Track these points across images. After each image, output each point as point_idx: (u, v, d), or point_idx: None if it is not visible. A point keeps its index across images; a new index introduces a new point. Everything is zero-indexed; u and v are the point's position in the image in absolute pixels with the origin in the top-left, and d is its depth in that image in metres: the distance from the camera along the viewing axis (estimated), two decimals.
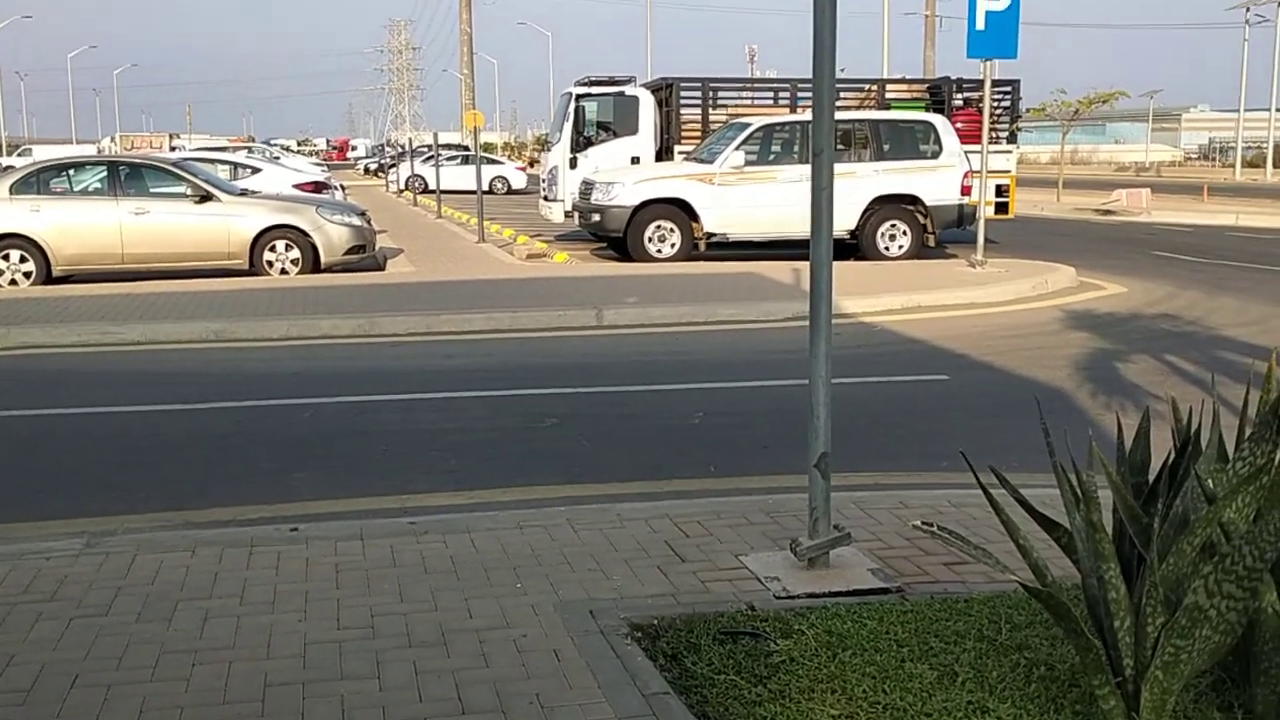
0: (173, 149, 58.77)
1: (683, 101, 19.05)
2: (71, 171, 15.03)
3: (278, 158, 32.40)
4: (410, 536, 4.72)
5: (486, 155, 42.78)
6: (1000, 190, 18.61)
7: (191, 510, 5.52)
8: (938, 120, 17.07)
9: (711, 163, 16.24)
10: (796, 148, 16.05)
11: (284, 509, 5.47)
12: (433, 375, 8.95)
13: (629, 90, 19.27)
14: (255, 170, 22.00)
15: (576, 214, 17.67)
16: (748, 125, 16.51)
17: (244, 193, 15.93)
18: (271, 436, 7.05)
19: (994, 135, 17.60)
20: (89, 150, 57.39)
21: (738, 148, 16.03)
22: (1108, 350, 9.48)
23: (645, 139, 18.99)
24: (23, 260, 13.92)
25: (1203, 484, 2.87)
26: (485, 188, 23.26)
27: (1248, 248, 18.78)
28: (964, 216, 16.35)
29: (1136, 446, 3.32)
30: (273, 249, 14.53)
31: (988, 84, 14.47)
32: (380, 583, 4.22)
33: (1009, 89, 19.56)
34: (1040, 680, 3.22)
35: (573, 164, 18.84)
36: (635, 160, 18.61)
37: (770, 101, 19.99)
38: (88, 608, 4.03)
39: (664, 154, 18.92)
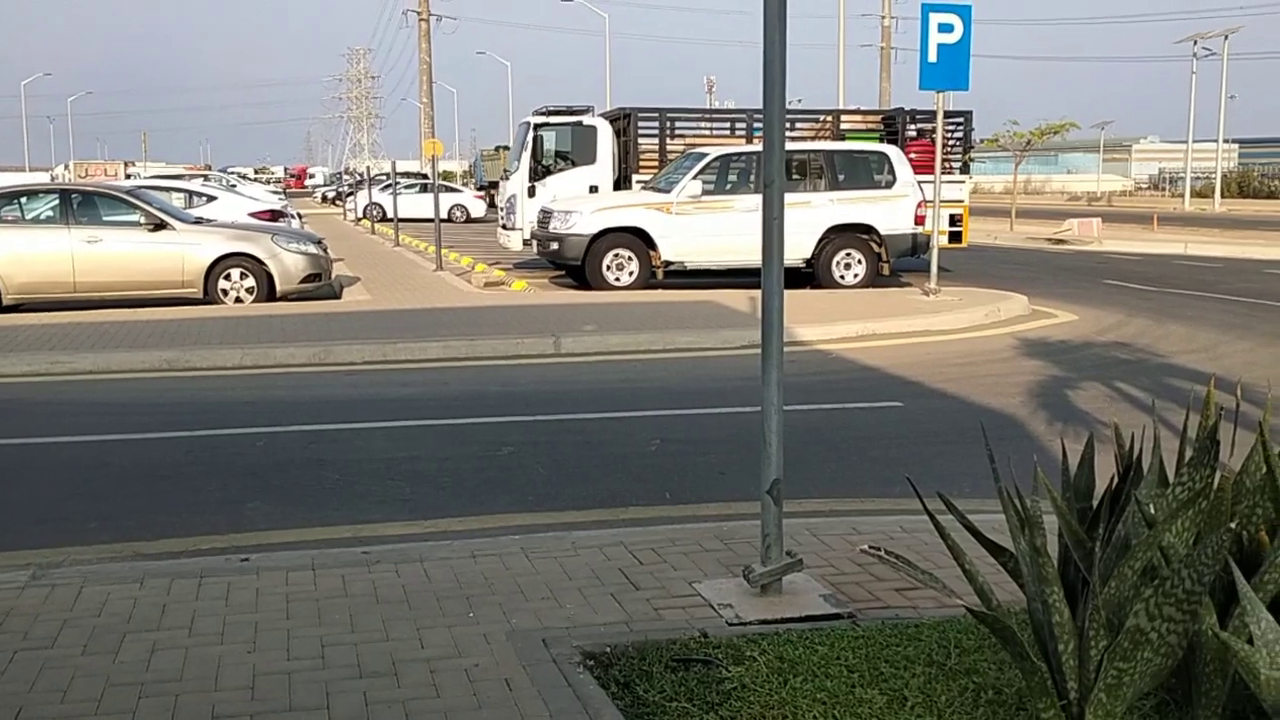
0: (127, 177, 58.30)
1: (640, 131, 19.17)
2: (23, 199, 14.84)
3: (234, 186, 32.19)
4: (362, 566, 4.69)
5: (445, 183, 42.74)
6: (954, 219, 18.86)
7: (141, 541, 5.45)
8: (892, 151, 17.28)
9: (669, 192, 16.33)
10: (752, 178, 16.18)
11: (236, 539, 5.42)
12: (389, 404, 8.91)
13: (587, 120, 19.37)
14: (210, 198, 21.84)
15: (535, 242, 17.69)
16: (704, 155, 16.64)
17: (199, 221, 15.82)
18: (224, 466, 6.99)
19: (947, 165, 17.85)
20: (42, 178, 56.84)
21: (695, 177, 16.14)
22: (1059, 377, 9.61)
23: (603, 168, 19.08)
24: None
25: (1143, 508, 2.92)
26: (444, 216, 23.26)
27: (1196, 276, 19.11)
28: (918, 245, 16.54)
29: (1081, 472, 3.37)
30: (227, 277, 14.43)
31: (940, 115, 14.67)
32: (331, 613, 4.19)
33: (961, 120, 19.84)
34: (988, 704, 3.25)
35: (531, 193, 18.88)
36: (593, 189, 18.68)
37: (727, 132, 20.15)
38: (33, 640, 3.97)
39: (622, 183, 19.01)
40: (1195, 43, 55.01)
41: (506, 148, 63.46)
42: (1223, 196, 55.04)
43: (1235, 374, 9.22)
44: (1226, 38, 53.84)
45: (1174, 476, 3.06)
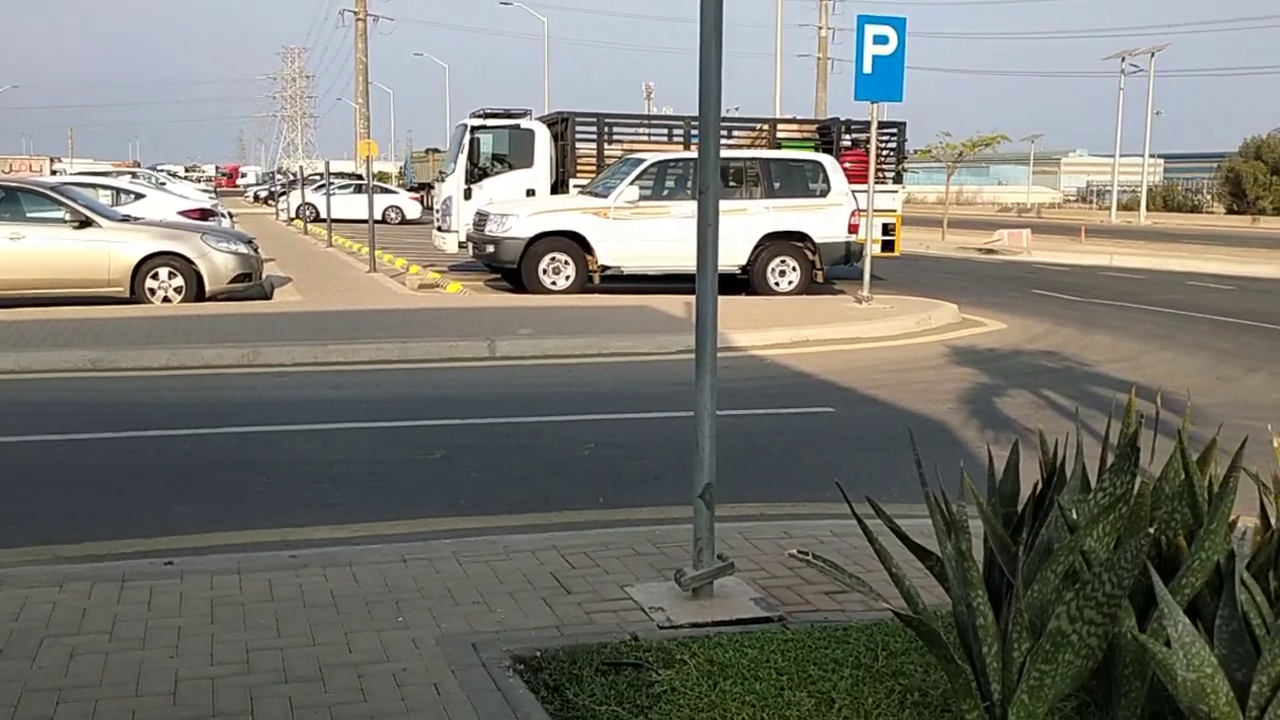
0: (53, 173, 56.97)
1: (578, 136, 19.18)
2: None
3: (163, 184, 31.61)
4: (290, 570, 4.63)
5: (380, 184, 42.38)
6: (887, 229, 19.09)
7: (61, 545, 5.33)
8: (826, 160, 17.46)
9: (606, 197, 16.34)
10: (689, 184, 16.25)
11: (160, 543, 5.33)
12: (319, 406, 8.81)
13: (524, 123, 19.33)
14: (139, 196, 21.45)
15: (470, 245, 17.60)
16: (642, 161, 16.68)
17: (126, 219, 15.52)
18: (149, 468, 6.85)
19: (880, 175, 18.07)
20: None
21: (632, 182, 16.17)
22: (987, 385, 9.76)
23: (540, 172, 19.05)
24: None
25: (1065, 514, 2.98)
26: (379, 217, 23.04)
27: (1121, 287, 19.53)
28: (851, 254, 16.72)
29: (1006, 477, 3.43)
30: (155, 276, 14.17)
31: (874, 126, 14.85)
32: (257, 617, 4.13)
33: (895, 131, 20.10)
34: (914, 706, 3.29)
35: (467, 195, 18.79)
36: (530, 193, 18.64)
37: (665, 138, 20.23)
38: None
39: (559, 187, 19.00)
40: (1123, 59, 56.28)
41: (437, 150, 63.39)
42: (1148, 210, 56.35)
43: (1157, 383, 9.43)
44: (1153, 55, 55.16)
45: (1096, 482, 3.12)
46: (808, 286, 16.67)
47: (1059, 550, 2.85)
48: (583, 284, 16.21)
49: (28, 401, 8.97)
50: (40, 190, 14.84)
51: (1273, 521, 3.10)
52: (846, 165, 18.01)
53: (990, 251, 28.46)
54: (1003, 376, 10.19)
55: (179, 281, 14.21)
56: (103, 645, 3.88)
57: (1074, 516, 3.01)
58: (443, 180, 20.32)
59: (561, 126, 19.43)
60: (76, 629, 4.02)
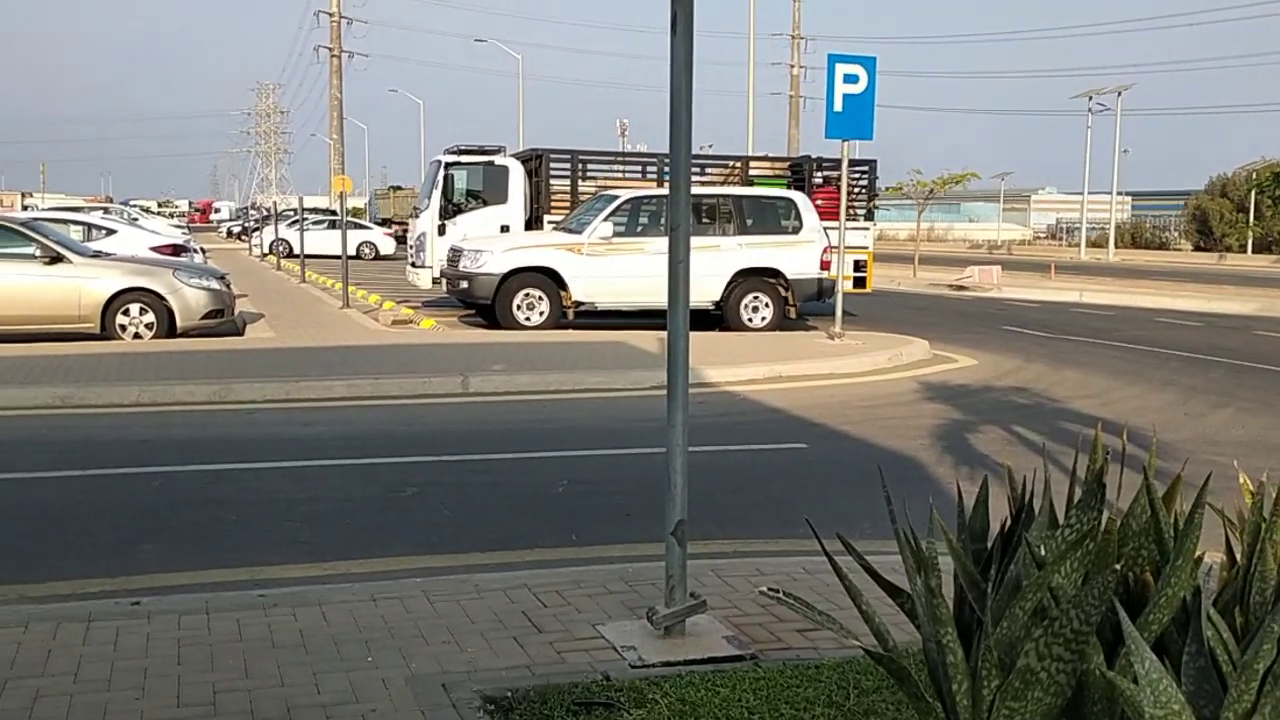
0: (24, 208, 56.63)
1: (552, 172, 19.26)
2: None
3: (136, 219, 31.51)
4: (258, 610, 4.58)
5: (354, 220, 42.34)
6: (859, 265, 19.24)
7: (27, 584, 5.25)
8: (798, 197, 17.60)
9: (580, 233, 16.40)
10: (663, 220, 16.32)
11: (127, 582, 5.26)
12: (291, 443, 8.75)
13: (499, 160, 19.41)
14: (110, 232, 21.34)
15: (444, 281, 17.60)
16: (616, 197, 16.77)
17: (97, 254, 15.43)
18: (118, 506, 6.78)
19: (852, 212, 18.23)
20: None
21: (606, 219, 16.25)
22: (959, 421, 9.81)
23: (515, 208, 19.10)
24: None
25: (1033, 550, 2.99)
26: (352, 253, 23.01)
27: (1090, 323, 19.71)
28: (824, 290, 16.82)
29: (976, 514, 3.44)
30: (126, 312, 14.08)
31: (845, 163, 14.99)
32: (225, 658, 4.08)
33: (866, 168, 20.31)
34: None
35: (441, 231, 18.82)
36: (504, 229, 18.68)
37: (639, 174, 20.36)
38: None
39: (533, 223, 19.05)
40: (1090, 98, 57.14)
41: (399, 187, 63.69)
42: (1116, 247, 57.02)
43: (1125, 418, 9.52)
44: (1120, 94, 56.05)
45: (1064, 519, 3.14)
46: (781, 323, 16.75)
47: (1027, 587, 2.86)
48: (557, 320, 16.23)
49: None
50: (10, 225, 14.74)
51: (1238, 557, 3.12)
52: (818, 202, 18.17)
53: (961, 288, 28.70)
54: (973, 412, 10.25)
55: (150, 318, 14.13)
56: (67, 687, 3.82)
57: (1042, 553, 3.02)
58: (417, 216, 20.34)
59: (536, 163, 19.51)
60: (41, 670, 3.97)
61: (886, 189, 33.75)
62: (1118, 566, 2.81)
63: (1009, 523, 3.29)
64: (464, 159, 19.42)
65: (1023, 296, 26.63)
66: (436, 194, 19.07)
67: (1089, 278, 33.74)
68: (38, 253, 13.99)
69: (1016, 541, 3.13)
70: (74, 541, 6.05)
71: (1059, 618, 2.68)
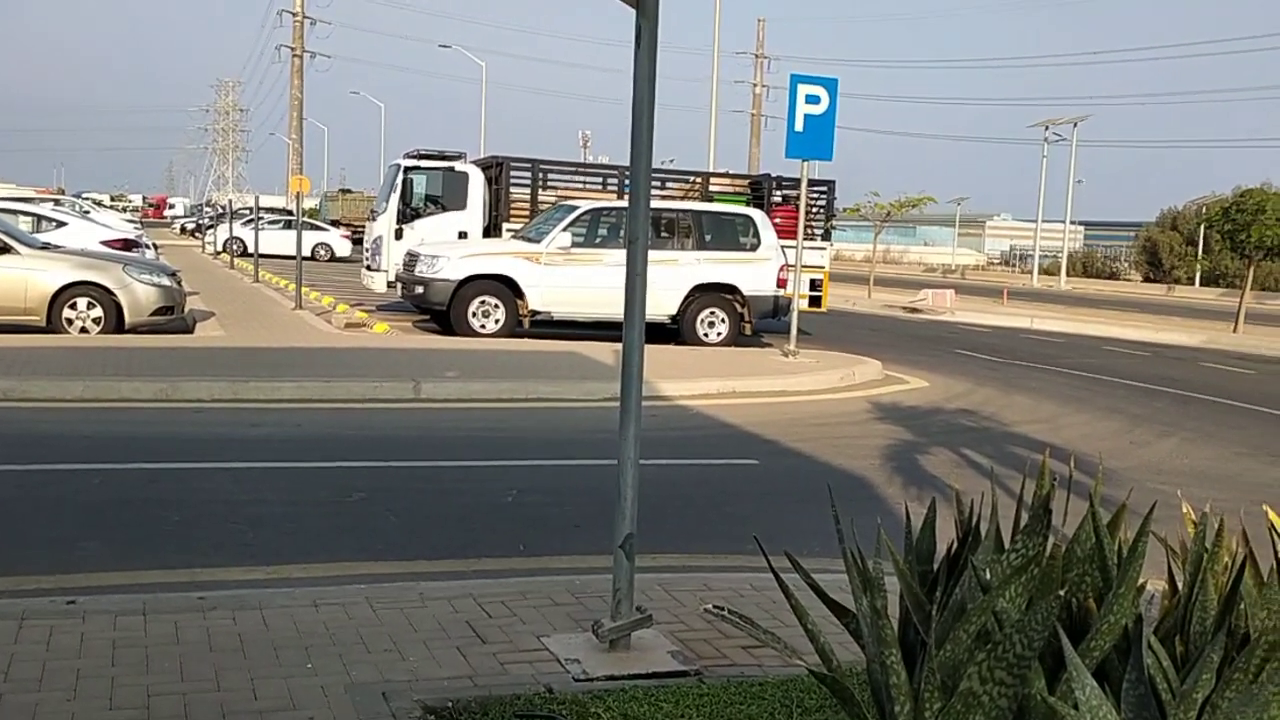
0: None
1: (512, 180, 19.22)
2: None
3: (87, 212, 30.98)
4: (197, 612, 4.51)
5: (310, 221, 41.99)
6: (814, 284, 19.37)
7: None
8: (757, 215, 17.68)
9: (539, 242, 16.37)
10: (622, 233, 16.31)
11: (65, 580, 5.16)
12: (237, 444, 8.63)
13: (459, 166, 19.33)
14: (61, 224, 20.99)
15: (399, 285, 17.49)
16: (576, 208, 16.76)
17: (46, 246, 15.17)
18: (57, 503, 6.65)
19: (809, 232, 18.36)
20: None
21: (565, 229, 16.23)
22: (908, 441, 9.88)
23: (473, 215, 19.03)
24: None
25: (979, 573, 3.00)
26: (308, 254, 22.79)
27: (1041, 349, 19.95)
28: (779, 307, 16.90)
29: (923, 536, 3.45)
30: (73, 306, 13.85)
31: (804, 183, 15.08)
32: (160, 660, 4.00)
33: (825, 189, 20.45)
34: None
35: (398, 235, 18.71)
36: (462, 235, 18.60)
37: (599, 186, 20.36)
38: None
39: (492, 231, 18.99)
40: (1047, 128, 57.93)
41: (348, 190, 63.60)
42: (1068, 275, 57.78)
43: (1072, 445, 9.63)
44: (1075, 125, 56.88)
45: (1009, 543, 3.15)
46: (736, 338, 16.81)
47: (972, 610, 2.86)
48: (512, 328, 16.17)
49: None
50: None
51: (1179, 586, 3.16)
52: (777, 221, 18.25)
53: (915, 310, 28.95)
54: (923, 434, 10.32)
55: (98, 312, 13.91)
56: None
57: (987, 577, 3.04)
58: (374, 219, 20.21)
59: (496, 170, 19.46)
60: None
61: (844, 210, 34.07)
62: (1061, 592, 2.83)
63: (955, 545, 3.31)
64: (424, 164, 19.33)
65: (975, 321, 26.91)
66: (395, 198, 18.95)
67: (1041, 304, 34.18)
68: None
69: (962, 565, 3.14)
70: (10, 537, 5.92)
71: (1002, 642, 2.69)
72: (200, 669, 3.95)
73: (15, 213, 20.23)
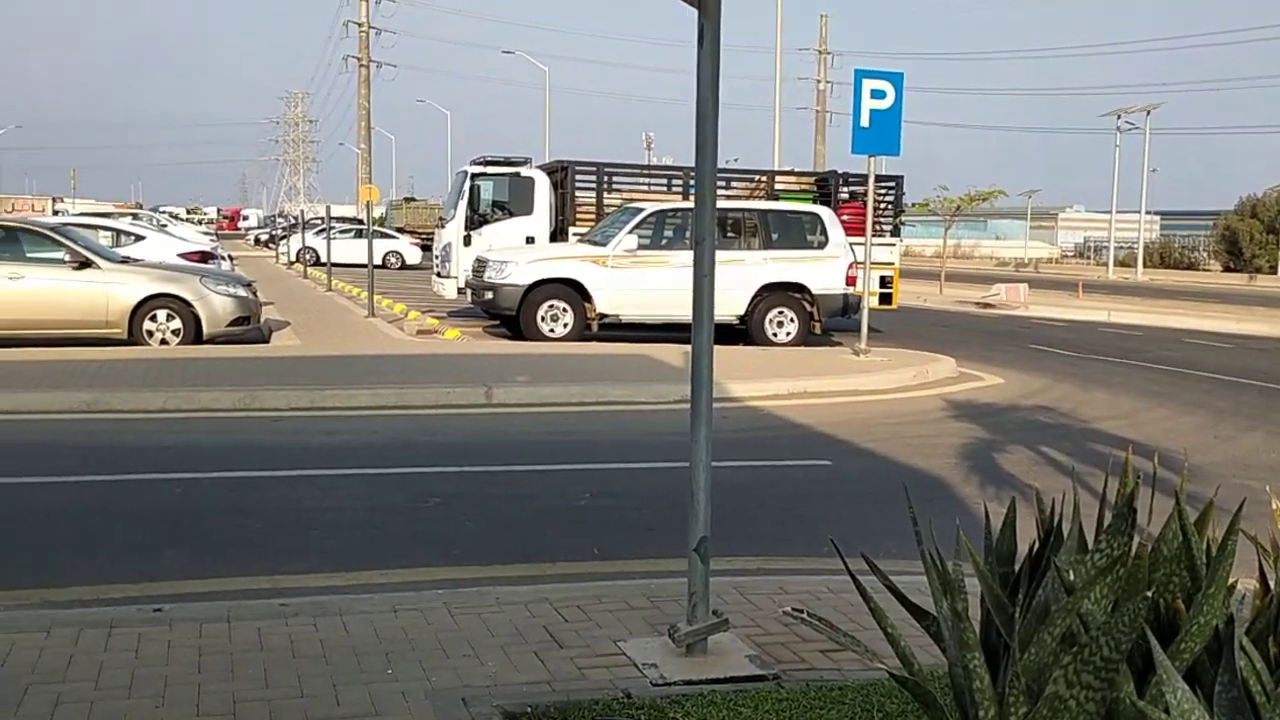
0: (55, 213, 57.19)
1: (578, 184, 19.30)
2: None
3: (164, 225, 31.71)
4: (279, 619, 4.58)
5: (380, 229, 42.53)
6: (884, 281, 19.18)
7: (50, 589, 5.27)
8: (824, 212, 17.56)
9: (605, 245, 16.41)
10: (688, 234, 16.29)
11: (150, 588, 5.27)
12: (314, 452, 8.77)
13: (525, 171, 19.46)
14: (139, 238, 21.49)
15: (469, 291, 17.65)
16: (641, 210, 16.78)
17: (125, 260, 15.54)
18: (141, 512, 6.81)
19: (878, 228, 18.18)
20: None
21: (631, 231, 16.26)
22: (984, 440, 9.74)
23: (540, 219, 19.14)
24: None
25: (1062, 575, 2.95)
26: (378, 262, 23.10)
27: (1119, 343, 19.56)
28: (849, 305, 16.76)
29: (1003, 536, 3.39)
30: (153, 318, 14.17)
31: (871, 179, 14.94)
32: (245, 667, 4.08)
33: (893, 184, 20.25)
34: None
35: (467, 241, 18.88)
36: (530, 240, 18.72)
37: (664, 187, 20.37)
38: None
39: (559, 235, 19.08)
40: (1119, 117, 56.81)
41: (412, 199, 64.53)
42: (1145, 266, 56.60)
43: (1155, 441, 9.42)
44: (1148, 113, 55.67)
45: (1093, 543, 3.09)
46: (805, 338, 16.70)
47: (1056, 612, 2.81)
48: (581, 332, 16.23)
49: (23, 443, 8.92)
50: (40, 230, 14.89)
51: (1272, 585, 3.07)
52: (844, 217, 18.12)
53: (988, 306, 28.54)
54: (1000, 432, 10.16)
55: (177, 324, 14.21)
56: (88, 693, 3.83)
57: (1071, 578, 2.98)
58: (443, 226, 20.42)
59: (561, 175, 19.55)
60: (62, 676, 3.97)
61: (913, 205, 33.66)
62: (1149, 593, 2.76)
63: (1037, 546, 3.25)
64: (490, 170, 19.49)
65: (1050, 315, 26.46)
66: (462, 204, 19.12)
67: (1117, 297, 33.53)
68: (67, 258, 14.12)
69: (1045, 565, 3.08)
70: (97, 546, 6.07)
71: (1089, 644, 2.63)
72: (284, 675, 4.01)
73: (96, 228, 20.76)
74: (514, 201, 19.30)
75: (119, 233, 21.47)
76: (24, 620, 4.58)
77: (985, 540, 3.37)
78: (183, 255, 20.26)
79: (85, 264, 14.11)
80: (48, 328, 13.96)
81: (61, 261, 14.09)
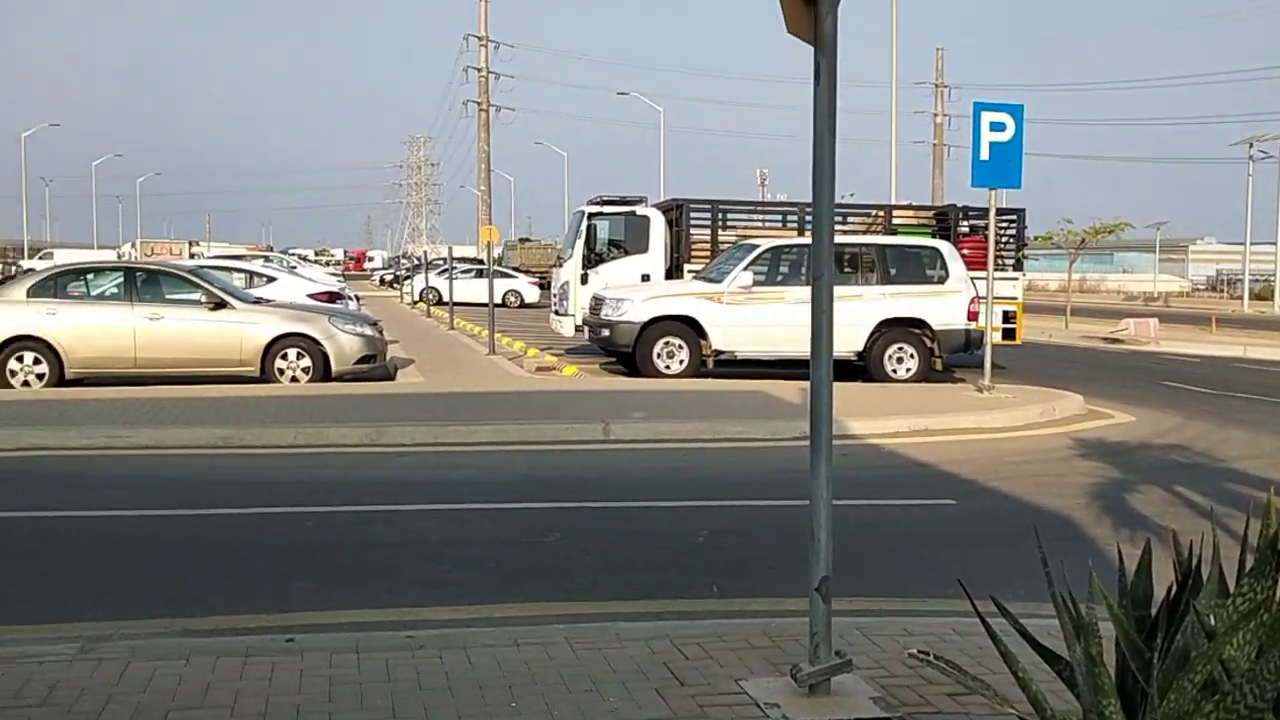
0: (191, 256, 59.72)
1: (692, 222, 19.39)
2: (89, 276, 15.29)
3: (294, 267, 32.87)
4: (406, 651, 4.67)
5: (500, 269, 43.31)
6: (1007, 316, 18.78)
7: (188, 618, 5.47)
8: (944, 246, 17.31)
9: (720, 282, 16.44)
10: (804, 269, 16.22)
11: (282, 619, 5.43)
12: (438, 486, 8.94)
13: (640, 210, 19.64)
14: (271, 279, 22.30)
15: (587, 329, 17.85)
16: (756, 246, 16.78)
17: (258, 301, 16.13)
18: (273, 545, 7.03)
19: (1000, 262, 17.85)
20: (109, 255, 58.36)
21: (746, 268, 16.26)
22: (1116, 479, 9.44)
23: (655, 257, 19.28)
24: (36, 362, 14.03)
25: (1202, 619, 2.85)
26: (498, 301, 23.53)
27: (1257, 380, 18.80)
28: (971, 341, 16.46)
29: (1139, 579, 3.29)
30: (284, 357, 14.65)
31: (992, 212, 14.69)
32: (374, 698, 4.17)
33: (1014, 217, 19.89)
34: None
35: (584, 280, 19.11)
36: (645, 278, 18.85)
37: (779, 224, 20.35)
38: (78, 714, 3.99)
39: (674, 272, 19.18)
40: (1251, 145, 54.85)
41: (527, 239, 65.78)
42: None
43: None
44: None
45: (1234, 586, 2.98)
46: (926, 374, 16.44)
47: (1196, 658, 2.72)
48: (696, 368, 16.26)
49: (161, 476, 9.30)
50: (179, 273, 15.55)
51: None
52: (965, 251, 17.84)
53: (1116, 341, 27.73)
54: (1132, 471, 9.85)
55: (307, 362, 14.67)
56: None
57: (1212, 623, 2.87)
58: (560, 265, 20.71)
59: (676, 213, 19.68)
60: (200, 703, 4.11)
61: (1036, 238, 32.97)
62: None
63: (1175, 589, 3.14)
64: (606, 209, 19.73)
65: (1182, 351, 25.57)
66: (579, 244, 19.38)
67: (1253, 332, 32.25)
68: (203, 299, 14.70)
69: (1183, 610, 2.98)
70: (232, 577, 6.28)
71: (1231, 692, 2.54)
72: (411, 707, 4.09)
73: (231, 269, 21.60)
74: (630, 240, 19.48)
75: (252, 274, 22.30)
76: (164, 648, 4.76)
77: (1120, 583, 3.28)
78: (312, 296, 20.92)
79: (220, 304, 14.67)
80: (185, 365, 14.54)
81: (198, 303, 14.68)
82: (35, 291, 14.49)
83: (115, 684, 4.27)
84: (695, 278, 17.87)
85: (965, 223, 19.81)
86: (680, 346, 16.29)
